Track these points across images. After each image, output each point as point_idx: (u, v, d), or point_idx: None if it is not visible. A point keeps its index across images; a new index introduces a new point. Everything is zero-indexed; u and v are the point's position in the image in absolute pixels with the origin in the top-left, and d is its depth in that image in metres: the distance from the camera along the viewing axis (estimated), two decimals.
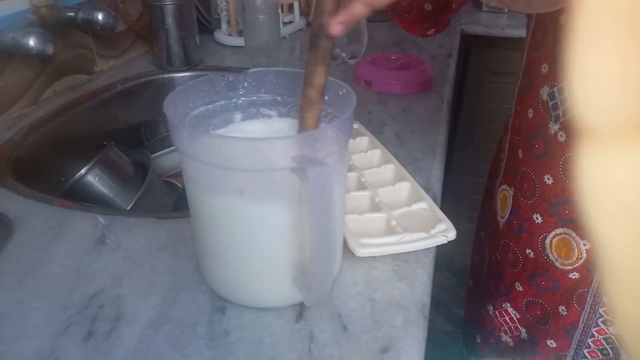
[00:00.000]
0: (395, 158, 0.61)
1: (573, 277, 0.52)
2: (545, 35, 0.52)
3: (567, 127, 0.49)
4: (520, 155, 0.57)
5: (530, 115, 0.54)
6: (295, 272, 0.39)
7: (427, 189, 0.56)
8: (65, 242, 0.49)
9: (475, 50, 1.37)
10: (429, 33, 0.62)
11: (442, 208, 0.52)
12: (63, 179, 0.70)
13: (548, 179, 0.52)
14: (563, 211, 0.51)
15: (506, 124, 0.63)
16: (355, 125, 0.68)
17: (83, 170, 0.66)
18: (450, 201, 1.63)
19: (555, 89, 0.50)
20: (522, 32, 1.35)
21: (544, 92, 0.52)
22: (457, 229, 0.49)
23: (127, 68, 0.95)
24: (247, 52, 0.99)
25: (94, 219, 0.52)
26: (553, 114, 0.51)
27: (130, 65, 0.96)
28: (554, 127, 0.51)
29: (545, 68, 0.52)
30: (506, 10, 1.40)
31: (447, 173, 1.60)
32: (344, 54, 0.98)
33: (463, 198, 1.62)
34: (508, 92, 1.56)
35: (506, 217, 0.59)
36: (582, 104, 0.13)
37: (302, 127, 0.38)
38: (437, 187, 0.59)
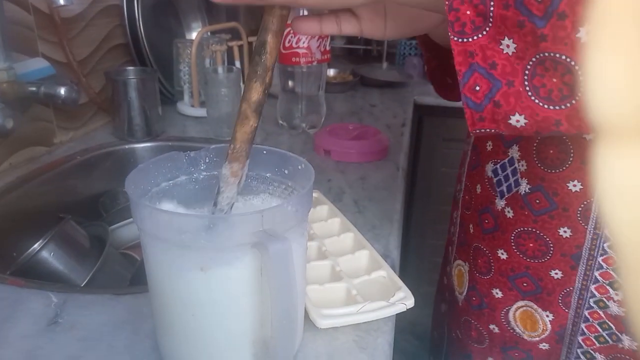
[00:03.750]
0: (354, 226, 0.63)
1: (543, 348, 0.52)
2: None
3: (512, 203, 0.50)
4: (472, 230, 0.57)
5: (478, 190, 0.55)
6: (255, 348, 0.39)
7: (385, 257, 0.58)
8: (16, 323, 0.47)
9: (428, 119, 1.46)
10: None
11: (403, 273, 0.54)
12: (15, 254, 0.68)
13: (502, 253, 0.52)
14: (521, 284, 0.51)
15: (455, 198, 0.64)
16: (315, 194, 0.70)
17: (37, 246, 0.64)
18: (411, 265, 1.65)
19: (498, 166, 0.51)
20: None
21: (489, 168, 0.53)
22: (418, 292, 0.50)
23: (88, 139, 0.95)
24: (209, 122, 1.01)
25: (47, 298, 0.51)
26: (498, 189, 0.52)
27: (91, 137, 0.97)
28: (500, 203, 0.51)
29: (489, 145, 0.53)
30: None
31: (407, 237, 1.64)
32: (303, 124, 1.02)
33: (424, 261, 1.64)
34: (460, 158, 1.63)
35: (464, 294, 0.59)
36: (597, 102, 0.13)
37: (232, 140, 0.38)
38: (395, 254, 0.61)
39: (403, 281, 0.51)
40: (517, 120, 0.34)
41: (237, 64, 1.15)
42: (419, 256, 1.64)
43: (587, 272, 0.47)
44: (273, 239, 0.33)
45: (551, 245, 0.48)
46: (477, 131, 0.36)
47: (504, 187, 0.51)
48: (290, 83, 0.99)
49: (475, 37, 0.33)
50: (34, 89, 0.76)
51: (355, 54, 1.89)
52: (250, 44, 1.19)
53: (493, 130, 0.36)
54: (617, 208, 0.13)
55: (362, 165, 0.86)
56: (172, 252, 0.35)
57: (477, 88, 0.34)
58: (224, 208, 0.38)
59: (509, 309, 0.53)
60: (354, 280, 0.51)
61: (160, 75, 1.06)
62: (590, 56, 0.13)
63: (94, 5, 0.96)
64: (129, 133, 0.94)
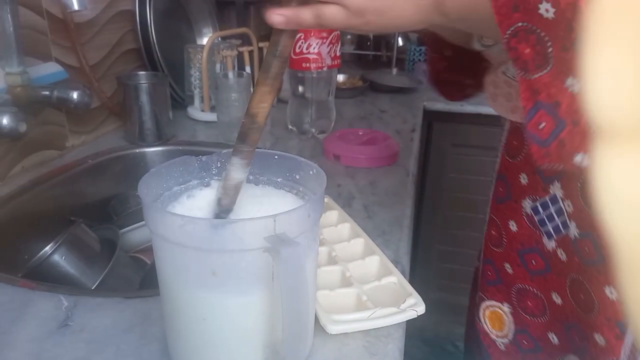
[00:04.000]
0: (364, 231, 0.62)
1: None
2: (522, 142, 0.49)
3: (564, 246, 0.45)
4: (510, 271, 0.51)
5: (514, 228, 0.50)
6: (266, 352, 0.38)
7: (395, 262, 0.57)
8: (26, 325, 0.47)
9: (437, 125, 1.45)
10: (467, 93, 0.60)
11: (412, 278, 0.53)
12: (26, 257, 0.68)
13: (556, 297, 0.47)
14: (574, 335, 0.45)
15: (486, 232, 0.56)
16: (325, 199, 0.70)
17: (48, 249, 0.64)
18: (419, 270, 1.64)
19: (538, 204, 0.46)
20: (479, 109, 1.43)
21: (527, 205, 0.48)
22: (427, 298, 0.49)
23: (99, 143, 0.96)
24: (218, 127, 1.02)
25: (57, 300, 0.51)
26: (543, 229, 0.47)
27: (102, 141, 0.97)
28: (550, 244, 0.46)
29: (524, 178, 0.48)
30: None
31: (415, 242, 1.63)
32: (313, 129, 1.02)
33: (432, 267, 1.63)
34: (470, 163, 1.62)
35: (511, 338, 0.53)
36: (597, 106, 0.12)
37: (247, 112, 0.38)
38: (405, 260, 0.60)
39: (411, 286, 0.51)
40: (583, 160, 0.33)
41: (248, 69, 1.16)
42: (427, 261, 1.63)
43: (636, 344, 0.40)
44: (285, 243, 0.33)
45: (596, 303, 0.42)
46: (545, 165, 0.35)
47: (549, 228, 0.46)
48: (300, 88, 1.00)
49: (538, 75, 0.32)
50: (47, 93, 0.76)
51: (365, 59, 1.89)
52: (260, 49, 1.20)
53: (561, 167, 0.35)
54: (617, 211, 0.13)
55: (372, 170, 0.86)
56: (184, 256, 0.35)
57: (542, 126, 0.33)
58: (229, 194, 0.38)
59: (564, 358, 0.47)
60: (364, 286, 0.51)
61: (171, 80, 1.07)
62: (593, 57, 0.13)
63: (106, 10, 0.97)
64: (140, 137, 0.95)
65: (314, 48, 0.94)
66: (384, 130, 1.03)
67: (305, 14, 0.37)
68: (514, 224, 0.50)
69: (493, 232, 0.54)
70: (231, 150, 0.39)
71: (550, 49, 0.31)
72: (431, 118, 1.43)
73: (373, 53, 1.87)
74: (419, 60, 1.65)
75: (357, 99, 1.37)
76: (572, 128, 0.32)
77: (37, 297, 0.51)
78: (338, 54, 0.98)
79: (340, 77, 1.49)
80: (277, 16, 0.36)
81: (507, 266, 0.52)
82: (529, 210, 0.48)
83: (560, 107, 0.32)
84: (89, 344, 0.45)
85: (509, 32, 0.32)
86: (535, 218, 0.47)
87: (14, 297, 0.51)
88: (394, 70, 1.57)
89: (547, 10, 0.30)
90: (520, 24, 0.31)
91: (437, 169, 1.51)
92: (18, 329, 0.47)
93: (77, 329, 0.47)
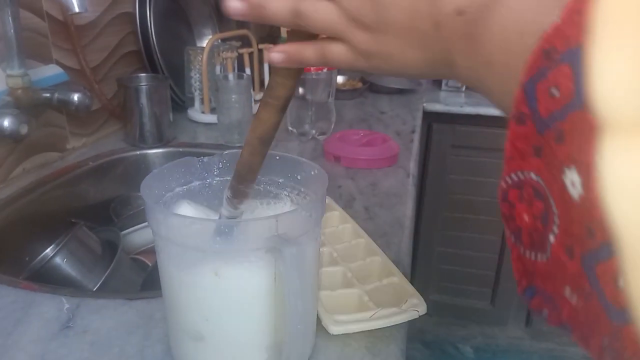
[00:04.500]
0: (365, 232, 0.63)
1: None
2: None
3: None
4: None
5: None
6: (269, 353, 0.38)
7: (397, 263, 0.57)
8: (30, 326, 0.47)
9: (437, 126, 1.45)
10: None
11: (412, 280, 0.54)
12: (27, 259, 0.69)
13: None
14: None
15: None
16: (326, 200, 0.70)
17: (50, 252, 0.64)
18: (419, 272, 1.64)
19: None
20: (478, 110, 1.43)
21: None
22: (427, 299, 0.49)
23: (100, 145, 0.96)
24: (219, 129, 1.02)
25: (60, 302, 0.51)
26: None
27: (103, 143, 0.98)
28: None
29: None
30: (464, 89, 1.50)
31: (415, 244, 1.63)
32: (313, 131, 1.03)
33: (432, 268, 1.63)
34: (470, 165, 1.62)
35: None
36: (601, 98, 0.13)
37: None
38: (407, 260, 0.61)
39: None
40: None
41: (248, 71, 1.16)
42: (427, 263, 1.63)
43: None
44: (287, 243, 0.33)
45: None
46: None
47: None
48: (300, 90, 1.00)
49: (531, 256, 0.23)
50: (47, 95, 0.77)
51: None
52: (260, 51, 1.20)
53: None
54: (622, 202, 0.13)
55: (372, 171, 0.86)
56: (186, 257, 0.35)
57: (545, 314, 0.23)
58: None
59: None
60: (366, 287, 0.51)
61: (171, 82, 1.07)
62: (596, 54, 0.13)
63: (107, 12, 0.98)
64: (141, 139, 0.95)
65: None
66: (383, 132, 1.04)
67: (308, 51, 0.34)
68: None
69: None
70: (232, 152, 0.39)
71: (552, 239, 0.21)
72: (431, 119, 1.44)
73: None
74: None
75: (357, 101, 1.38)
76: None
77: (40, 299, 0.51)
78: None
79: (340, 79, 1.49)
80: (276, 54, 0.33)
81: None
82: None
83: (562, 313, 0.22)
84: (92, 346, 0.45)
85: (513, 176, 0.22)
86: None
87: (16, 299, 0.51)
88: None
89: (572, 185, 0.19)
90: (533, 177, 0.21)
91: (437, 170, 1.51)
92: (22, 330, 0.47)
93: (79, 330, 0.47)
